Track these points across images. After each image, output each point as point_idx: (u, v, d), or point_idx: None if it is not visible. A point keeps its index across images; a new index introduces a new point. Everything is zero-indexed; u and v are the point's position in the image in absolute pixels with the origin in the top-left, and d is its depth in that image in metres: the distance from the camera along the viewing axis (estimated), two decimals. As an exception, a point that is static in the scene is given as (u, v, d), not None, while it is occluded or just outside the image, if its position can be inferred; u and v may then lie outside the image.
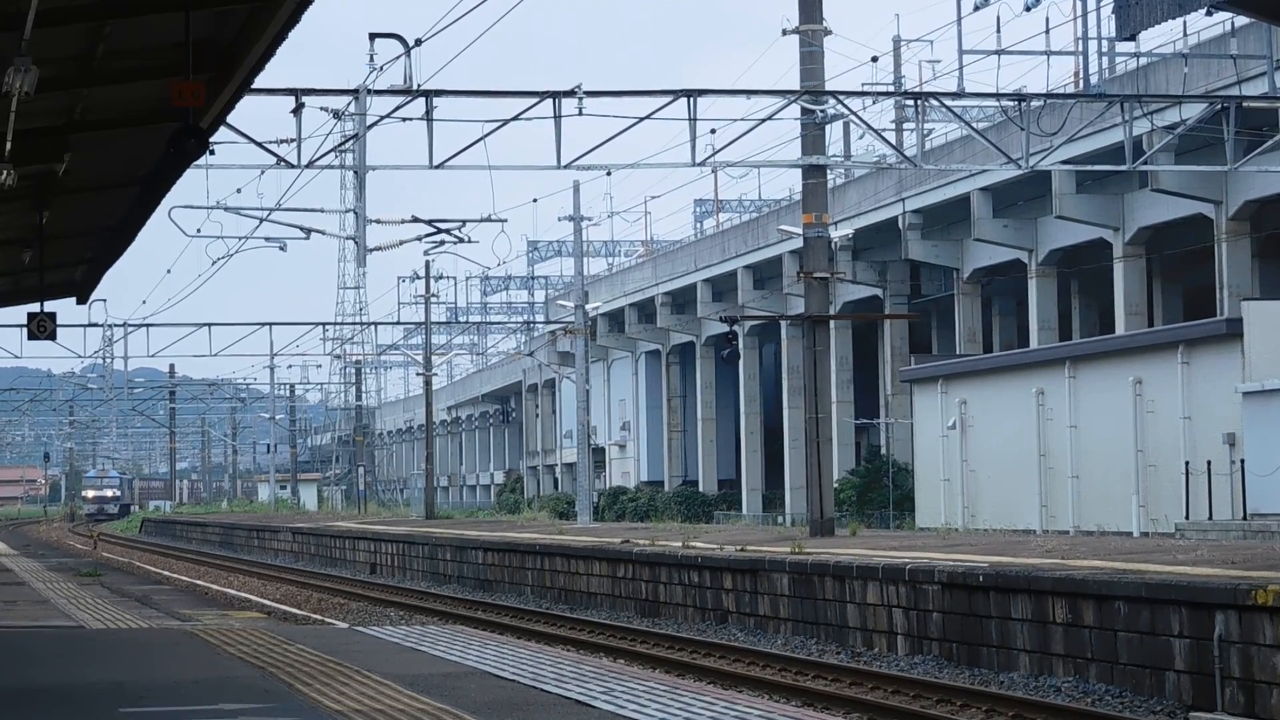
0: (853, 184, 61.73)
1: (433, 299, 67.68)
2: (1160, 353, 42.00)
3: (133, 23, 14.99)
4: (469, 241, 50.29)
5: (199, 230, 45.61)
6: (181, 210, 44.64)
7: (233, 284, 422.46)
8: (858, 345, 65.38)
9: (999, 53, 51.95)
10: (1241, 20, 43.29)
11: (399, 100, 31.30)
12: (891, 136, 49.51)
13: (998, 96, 38.70)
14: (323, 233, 47.09)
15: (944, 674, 21.65)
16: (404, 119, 31.49)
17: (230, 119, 21.74)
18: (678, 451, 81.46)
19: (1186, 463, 39.88)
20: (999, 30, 52.28)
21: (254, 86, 17.51)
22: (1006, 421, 47.31)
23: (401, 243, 50.37)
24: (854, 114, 35.58)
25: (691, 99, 32.16)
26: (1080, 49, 51.81)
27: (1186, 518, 38.11)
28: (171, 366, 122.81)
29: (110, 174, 20.80)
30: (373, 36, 32.36)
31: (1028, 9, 52.36)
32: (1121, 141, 36.12)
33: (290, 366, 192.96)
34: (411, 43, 30.94)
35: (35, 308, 26.27)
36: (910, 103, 38.80)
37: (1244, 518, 36.05)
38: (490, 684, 14.25)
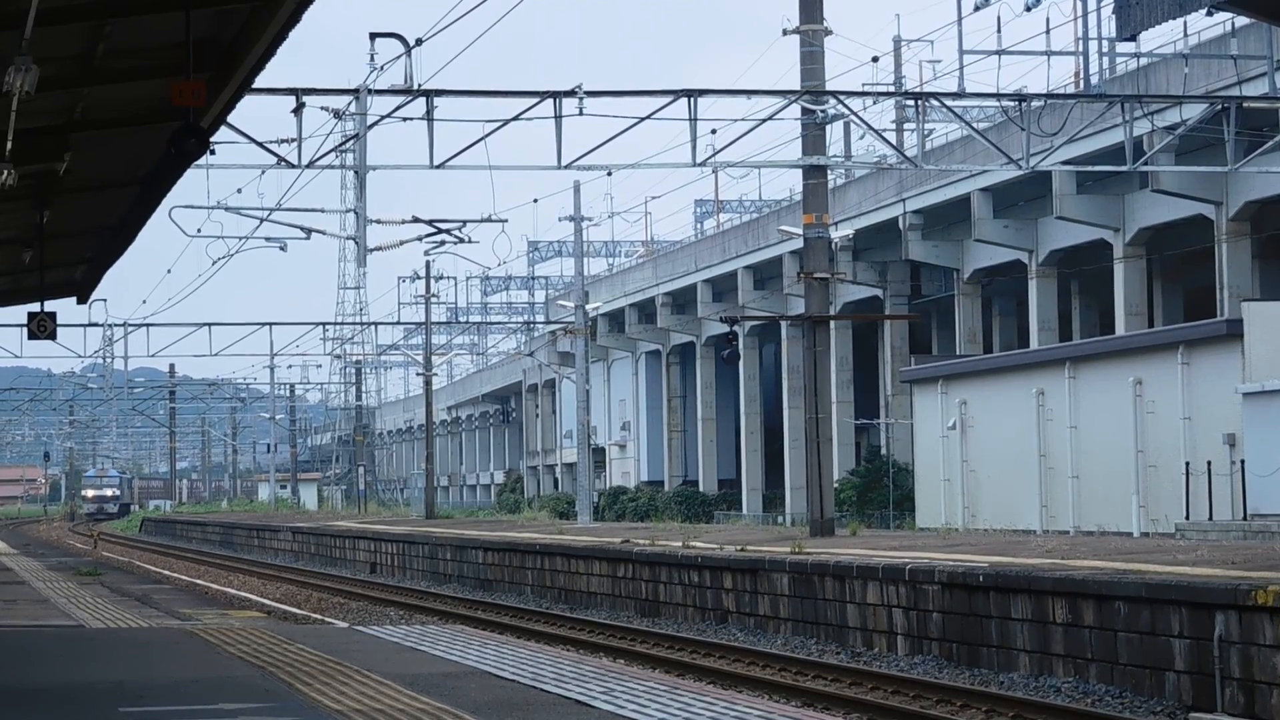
0: (853, 184, 61.72)
1: (433, 299, 67.69)
2: (1160, 353, 42.00)
3: (133, 22, 14.99)
4: (469, 242, 50.31)
5: (199, 230, 45.64)
6: (182, 210, 44.69)
7: (233, 284, 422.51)
8: (858, 345, 65.39)
9: (999, 53, 51.95)
10: (1242, 20, 43.28)
11: (399, 100, 31.30)
12: (892, 137, 49.51)
13: (998, 97, 38.70)
14: (323, 233, 47.13)
15: (944, 674, 21.65)
16: (404, 119, 31.50)
17: (231, 119, 21.75)
18: (678, 451, 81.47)
19: (1187, 463, 39.88)
20: (999, 30, 52.34)
21: (254, 86, 17.52)
22: (1007, 422, 47.32)
23: (402, 243, 50.40)
24: (854, 114, 35.59)
25: (692, 99, 32.16)
26: (1081, 49, 51.83)
27: (1187, 518, 38.11)
28: (171, 366, 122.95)
29: (110, 173, 20.80)
30: (373, 36, 32.35)
31: (1028, 9, 52.37)
32: (1122, 142, 36.12)
33: (290, 366, 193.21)
34: (412, 42, 30.96)
35: (35, 307, 26.26)
36: (911, 103, 38.79)
37: (1244, 518, 36.05)
38: (490, 684, 14.25)
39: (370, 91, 31.77)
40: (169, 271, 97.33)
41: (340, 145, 34.92)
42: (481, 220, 48.81)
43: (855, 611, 24.94)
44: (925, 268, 61.94)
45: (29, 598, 30.54)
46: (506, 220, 58.14)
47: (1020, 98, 36.19)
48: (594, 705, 12.77)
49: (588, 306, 57.47)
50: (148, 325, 64.89)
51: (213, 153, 26.64)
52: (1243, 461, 37.06)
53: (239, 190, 57.21)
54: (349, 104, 32.72)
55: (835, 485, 45.07)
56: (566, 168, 32.46)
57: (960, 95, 39.46)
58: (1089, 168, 43.21)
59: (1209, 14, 40.44)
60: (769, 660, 23.68)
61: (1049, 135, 36.08)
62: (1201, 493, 39.07)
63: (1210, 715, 17.71)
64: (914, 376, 53.27)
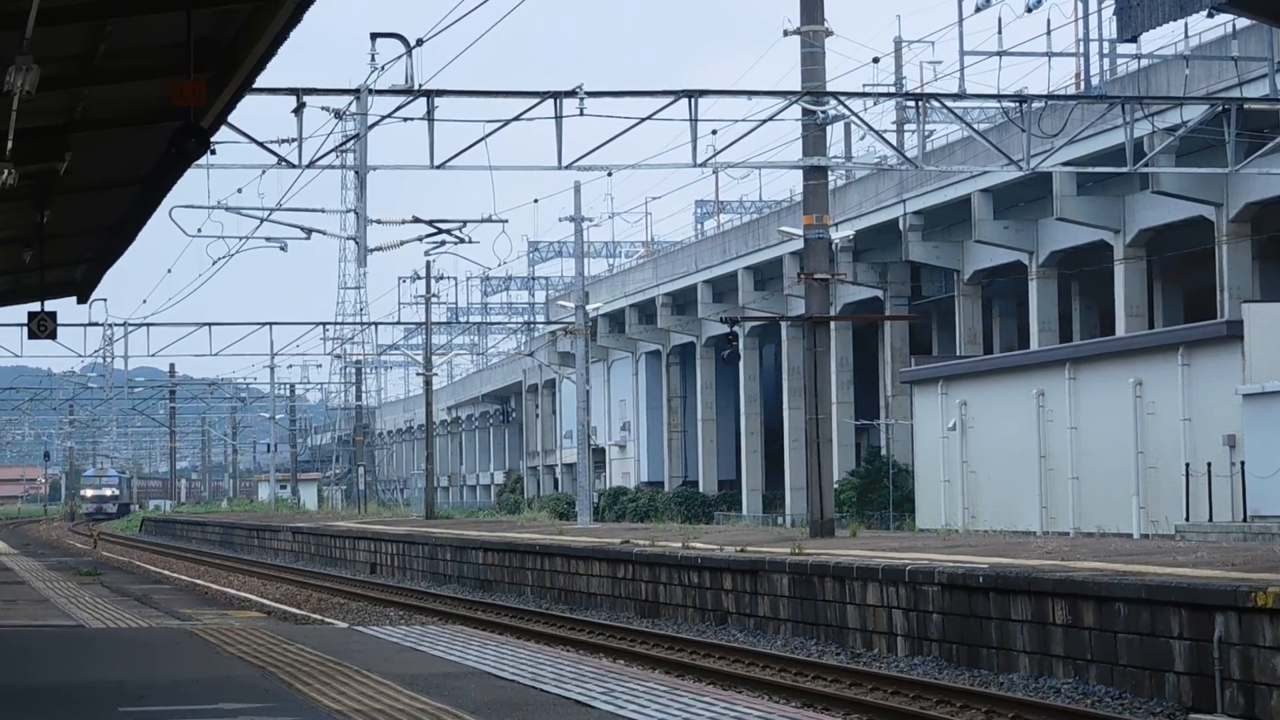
0: (853, 185, 61.73)
1: (433, 299, 67.69)
2: (1161, 354, 42.00)
3: (134, 22, 14.99)
4: (469, 242, 50.32)
5: (200, 230, 45.64)
6: (182, 210, 44.71)
7: (233, 284, 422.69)
8: (858, 346, 65.39)
9: (1000, 54, 51.98)
10: (1243, 22, 43.28)
11: (400, 100, 31.30)
12: (892, 138, 49.48)
13: (999, 98, 38.69)
14: (323, 233, 47.11)
15: (944, 675, 21.65)
16: (405, 119, 31.51)
17: (231, 119, 21.76)
18: (678, 452, 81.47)
19: (1187, 464, 39.89)
20: (1000, 31, 52.38)
21: (255, 86, 17.51)
22: (1007, 423, 47.32)
23: (402, 243, 50.40)
24: (855, 115, 35.57)
25: (692, 100, 32.16)
26: (1081, 50, 51.86)
27: (1187, 519, 38.11)
28: (172, 366, 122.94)
29: (111, 173, 20.79)
30: (374, 36, 32.36)
31: (1029, 10, 52.40)
32: (1122, 143, 36.12)
33: (290, 366, 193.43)
34: (413, 42, 30.95)
35: (36, 307, 26.27)
36: (911, 104, 38.79)
37: (1244, 519, 36.05)
38: (490, 684, 14.25)
39: (371, 91, 31.77)
40: (169, 271, 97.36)
41: (341, 145, 34.94)
42: (482, 220, 48.83)
43: (855, 612, 24.94)
44: (925, 269, 61.94)
45: (29, 597, 30.54)
46: (507, 220, 58.19)
47: (1021, 99, 36.19)
48: (594, 705, 12.77)
49: (588, 307, 57.49)
50: (148, 325, 64.96)
51: (213, 153, 26.65)
52: (1243, 463, 37.07)
53: (239, 190, 57.29)
54: (349, 104, 32.73)
55: (835, 486, 45.09)
56: (567, 168, 32.48)
57: (961, 96, 39.45)
58: (1089, 169, 43.20)
59: (1210, 15, 40.48)
60: (769, 661, 23.68)
61: (1049, 136, 36.08)
62: (1201, 494, 39.08)
63: (1210, 716, 17.71)
64: (914, 377, 53.28)
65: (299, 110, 30.62)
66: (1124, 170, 36.11)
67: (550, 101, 31.28)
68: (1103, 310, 55.30)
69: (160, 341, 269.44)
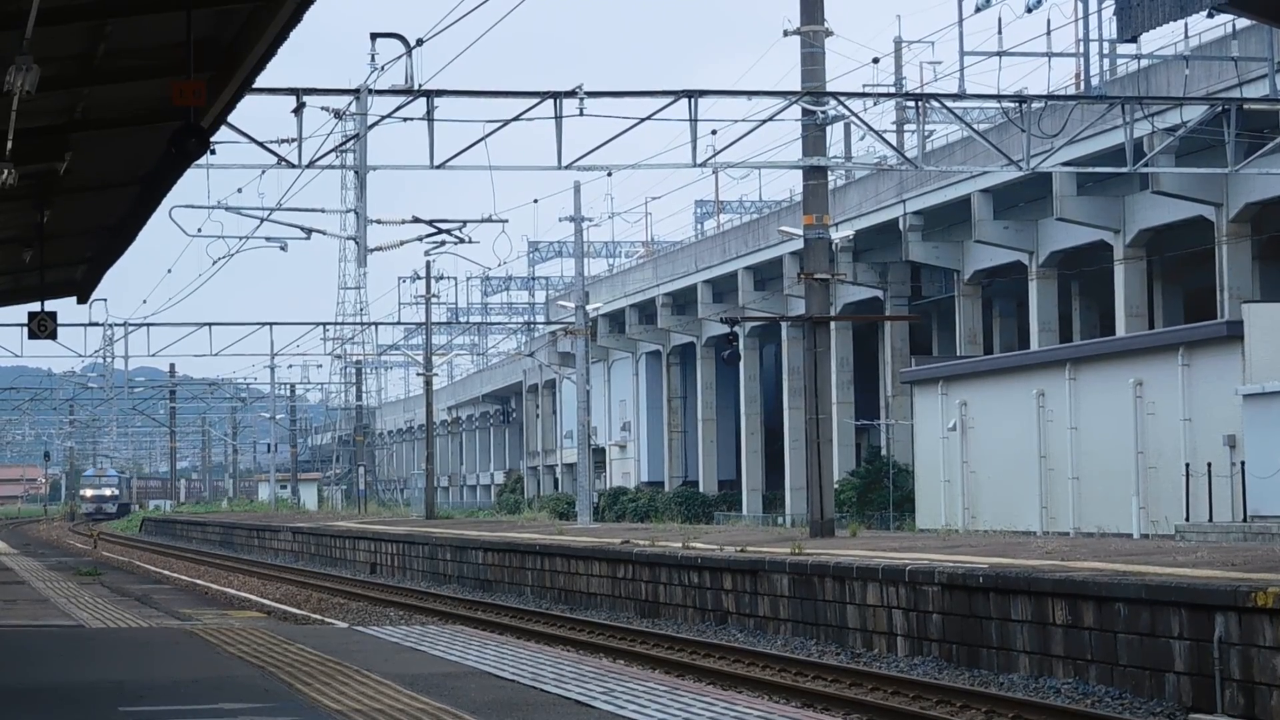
0: (853, 185, 61.73)
1: (433, 299, 67.69)
2: (1161, 355, 42.01)
3: (134, 22, 14.99)
4: (469, 242, 50.33)
5: (200, 230, 45.63)
6: (182, 210, 44.65)
7: (233, 284, 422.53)
8: (858, 346, 65.38)
9: (1000, 54, 51.96)
10: (1243, 22, 43.29)
11: (400, 100, 31.31)
12: (892, 138, 49.48)
13: (999, 98, 38.68)
14: (323, 233, 47.11)
15: (944, 675, 21.65)
16: (405, 119, 31.51)
17: (231, 118, 21.76)
18: (678, 452, 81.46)
19: (1187, 465, 39.89)
20: (1000, 32, 52.36)
21: (255, 86, 17.51)
22: (1007, 423, 47.32)
23: (402, 243, 50.40)
24: (855, 115, 35.57)
25: (692, 100, 32.16)
26: (1081, 50, 51.83)
27: (1187, 519, 38.11)
28: (172, 366, 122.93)
29: (111, 173, 20.79)
30: (374, 36, 32.36)
31: (1029, 10, 52.38)
32: (1122, 143, 36.13)
33: (291, 366, 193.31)
34: (413, 42, 30.96)
35: (36, 307, 26.27)
36: (911, 104, 38.79)
37: (1244, 520, 36.05)
38: (490, 684, 14.25)
39: (371, 91, 31.78)
40: (169, 271, 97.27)
41: (341, 145, 34.93)
42: (482, 220, 48.83)
43: (855, 612, 24.94)
44: (926, 269, 61.95)
45: (29, 597, 30.54)
46: (507, 220, 58.13)
47: (1021, 99, 36.19)
48: (594, 705, 12.77)
49: (588, 307, 57.50)
50: (148, 325, 64.99)
51: (213, 152, 26.64)
52: (1243, 463, 37.07)
53: (239, 190, 57.27)
54: (349, 104, 32.73)
55: (835, 486, 45.08)
56: (567, 168, 32.49)
57: (961, 96, 39.45)
58: (1089, 169, 43.20)
59: (1210, 15, 40.44)
60: (769, 661, 23.68)
61: (1049, 136, 36.08)
62: (1202, 494, 39.08)
63: (1210, 716, 17.71)
64: (914, 377, 53.28)
65: (299, 110, 30.63)
66: (1124, 170, 36.11)
67: (550, 101, 31.29)
68: (1103, 310, 55.31)
69: (160, 341, 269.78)
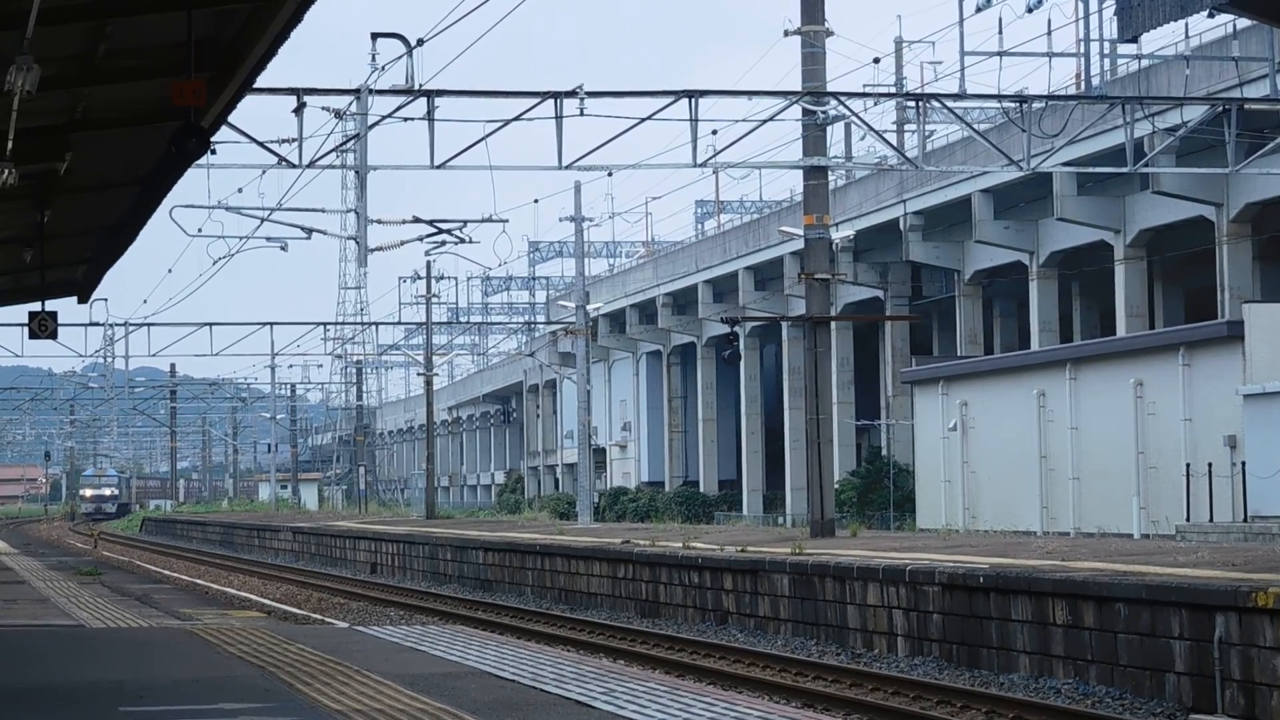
0: (854, 185, 61.73)
1: (434, 299, 67.70)
2: (1161, 355, 42.00)
3: (134, 22, 14.99)
4: (470, 242, 50.34)
5: (200, 230, 45.63)
6: (183, 210, 44.66)
7: (233, 284, 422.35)
8: (859, 346, 65.38)
9: (1001, 54, 51.97)
10: (1243, 22, 43.28)
11: (400, 100, 31.32)
12: (893, 138, 49.47)
13: (999, 98, 38.70)
14: (324, 233, 47.11)
15: (944, 675, 21.65)
16: (405, 119, 31.53)
17: (232, 118, 21.78)
18: (678, 452, 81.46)
19: (1187, 465, 39.88)
20: (1001, 32, 52.38)
21: (255, 86, 17.51)
22: (1007, 423, 47.32)
23: (402, 243, 50.41)
24: (855, 115, 35.58)
25: (693, 100, 32.17)
26: (1082, 50, 51.83)
27: (1187, 520, 38.11)
28: (172, 366, 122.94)
29: (111, 173, 20.80)
30: (374, 36, 32.36)
31: (1030, 10, 52.38)
32: (1123, 143, 36.13)
33: (291, 366, 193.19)
34: (413, 42, 30.96)
35: (36, 307, 26.28)
36: (912, 104, 38.80)
37: (1244, 520, 36.05)
38: (490, 684, 14.25)
39: (371, 91, 31.78)
40: (170, 271, 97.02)
41: (341, 145, 34.95)
42: (482, 220, 48.84)
43: (855, 613, 24.93)
44: (926, 269, 61.95)
45: (29, 597, 30.53)
46: (507, 220, 58.18)
47: (1021, 99, 36.20)
48: (594, 706, 12.77)
49: (588, 307, 57.50)
50: (148, 325, 65.02)
51: (213, 152, 26.63)
52: (1243, 463, 37.07)
53: (240, 190, 57.28)
54: (350, 104, 32.74)
55: (836, 486, 45.08)
56: (567, 168, 32.50)
57: (961, 96, 39.47)
58: (1090, 169, 43.21)
59: (1210, 15, 40.43)
60: (769, 661, 23.68)
61: (1050, 136, 36.09)
62: (1202, 494, 39.07)
63: (1210, 717, 17.71)
64: (915, 377, 53.28)
65: (299, 110, 30.64)
66: (1124, 170, 36.12)
67: (550, 101, 31.30)
68: (1103, 310, 55.31)
69: (161, 341, 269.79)
